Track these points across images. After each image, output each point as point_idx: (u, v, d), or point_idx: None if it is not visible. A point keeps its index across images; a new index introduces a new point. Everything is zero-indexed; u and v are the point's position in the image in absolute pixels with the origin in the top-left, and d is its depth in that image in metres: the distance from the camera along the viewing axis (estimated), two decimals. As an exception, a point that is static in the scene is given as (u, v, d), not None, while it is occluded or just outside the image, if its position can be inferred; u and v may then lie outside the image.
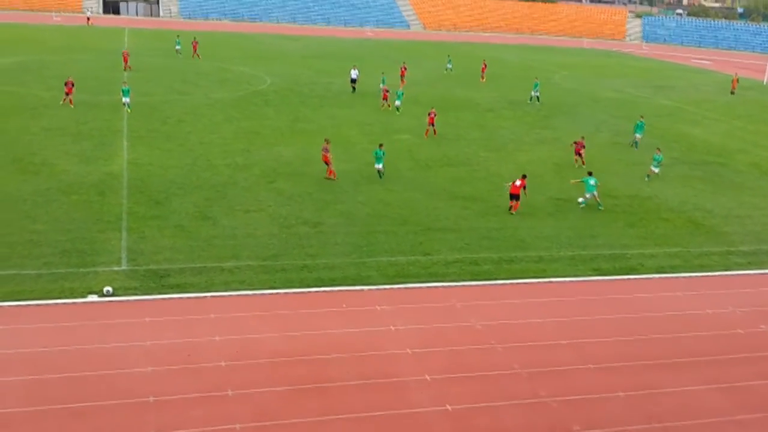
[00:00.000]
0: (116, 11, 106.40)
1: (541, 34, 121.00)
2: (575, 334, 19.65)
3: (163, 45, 73.95)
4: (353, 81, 53.19)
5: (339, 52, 78.11)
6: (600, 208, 29.74)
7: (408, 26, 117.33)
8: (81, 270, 21.23)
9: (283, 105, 47.07)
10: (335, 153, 35.72)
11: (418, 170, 34.02)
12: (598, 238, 26.84)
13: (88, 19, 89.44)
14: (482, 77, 63.54)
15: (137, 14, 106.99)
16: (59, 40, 69.90)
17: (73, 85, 42.47)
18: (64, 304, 19.37)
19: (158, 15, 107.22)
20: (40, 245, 22.68)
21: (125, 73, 53.69)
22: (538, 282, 22.87)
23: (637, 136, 41.42)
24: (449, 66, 68.90)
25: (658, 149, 35.39)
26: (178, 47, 67.92)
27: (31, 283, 20.24)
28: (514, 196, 28.44)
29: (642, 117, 43.27)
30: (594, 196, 29.71)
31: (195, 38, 68.85)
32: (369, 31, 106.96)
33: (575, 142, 36.22)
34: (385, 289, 21.57)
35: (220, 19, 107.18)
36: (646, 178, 34.55)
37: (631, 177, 35.20)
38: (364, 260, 23.40)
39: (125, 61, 56.89)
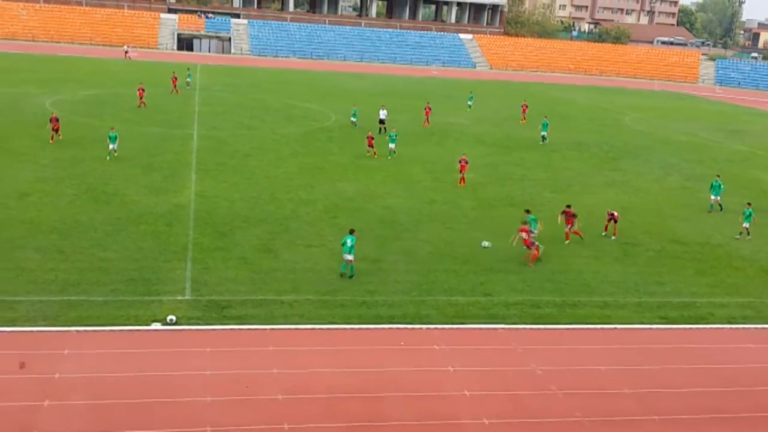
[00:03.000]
0: (189, 48, 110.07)
1: (610, 76, 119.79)
2: (640, 383, 18.99)
3: (233, 81, 76.06)
4: (381, 122, 51.44)
5: (404, 90, 78.89)
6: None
7: (474, 66, 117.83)
8: (146, 298, 21.67)
9: (347, 141, 47.58)
10: (396, 190, 35.91)
11: (481, 209, 33.78)
12: (665, 285, 26.05)
13: (126, 52, 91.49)
14: (523, 119, 61.72)
15: (209, 51, 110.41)
16: (133, 74, 72.41)
17: (57, 120, 41.05)
18: (129, 331, 19.76)
19: (230, 52, 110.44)
20: (109, 273, 23.28)
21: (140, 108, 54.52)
22: (603, 328, 22.25)
23: (713, 198, 36.48)
24: (470, 103, 67.69)
25: (749, 204, 32.73)
26: (189, 80, 67.58)
27: (98, 310, 20.74)
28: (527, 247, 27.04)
29: (718, 176, 37.91)
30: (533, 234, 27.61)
31: (174, 73, 65.57)
32: (434, 70, 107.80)
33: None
34: (444, 328, 21.33)
35: (289, 57, 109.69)
36: (738, 236, 31.95)
37: (702, 223, 34.19)
38: (424, 299, 23.24)
39: (140, 96, 54.63)
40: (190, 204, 31.18)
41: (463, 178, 37.98)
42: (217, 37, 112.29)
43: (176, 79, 63.65)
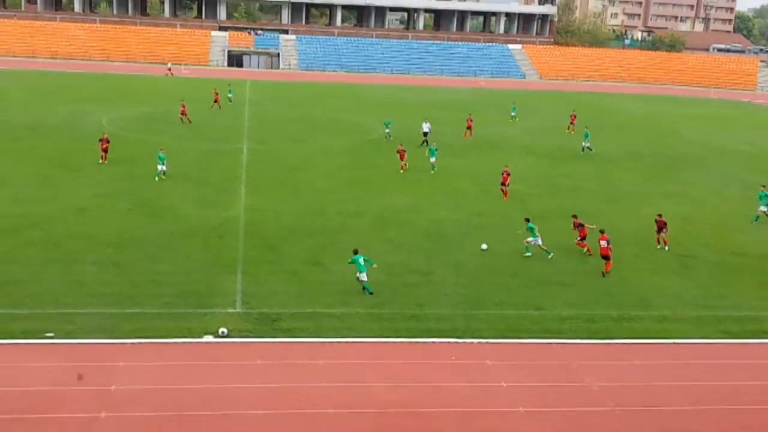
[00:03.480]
0: (239, 64, 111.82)
1: (665, 84, 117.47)
2: (701, 400, 18.36)
3: (281, 95, 76.90)
4: (425, 134, 50.72)
5: (451, 101, 78.54)
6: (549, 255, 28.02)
7: (523, 76, 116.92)
8: (199, 311, 21.86)
9: (395, 154, 47.36)
10: (445, 202, 35.69)
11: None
12: (726, 298, 25.20)
13: (169, 69, 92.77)
14: (570, 129, 60.09)
15: (259, 67, 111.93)
16: (184, 91, 73.46)
17: (108, 141, 40.28)
18: (182, 343, 19.94)
19: (278, 67, 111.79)
20: (162, 285, 23.58)
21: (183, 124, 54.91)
22: (661, 343, 21.59)
23: (762, 209, 34.38)
24: (513, 114, 66.61)
25: (763, 186, 32.15)
26: (230, 95, 67.76)
27: (152, 322, 21.00)
28: (605, 257, 26.59)
29: (764, 186, 35.28)
30: (537, 244, 27.99)
31: (215, 88, 66.09)
32: (483, 82, 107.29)
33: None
34: (495, 343, 20.99)
35: (336, 71, 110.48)
36: (755, 221, 31.72)
37: (763, 235, 33.03)
38: (474, 312, 22.91)
39: (182, 113, 54.58)
40: (240, 217, 31.45)
41: (505, 191, 37.06)
42: (266, 53, 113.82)
43: (218, 94, 64.25)
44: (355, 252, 23.84)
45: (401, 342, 20.73)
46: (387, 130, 52.76)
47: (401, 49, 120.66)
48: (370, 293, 23.58)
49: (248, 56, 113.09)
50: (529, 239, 28.08)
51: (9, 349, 19.07)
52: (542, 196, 38.26)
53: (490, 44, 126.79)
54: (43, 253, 25.91)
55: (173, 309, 21.88)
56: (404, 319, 22.13)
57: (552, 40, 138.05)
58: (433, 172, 42.00)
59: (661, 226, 29.82)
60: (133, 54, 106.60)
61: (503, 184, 37.18)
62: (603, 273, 26.44)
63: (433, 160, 42.44)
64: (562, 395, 18.30)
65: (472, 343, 20.88)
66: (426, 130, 50.99)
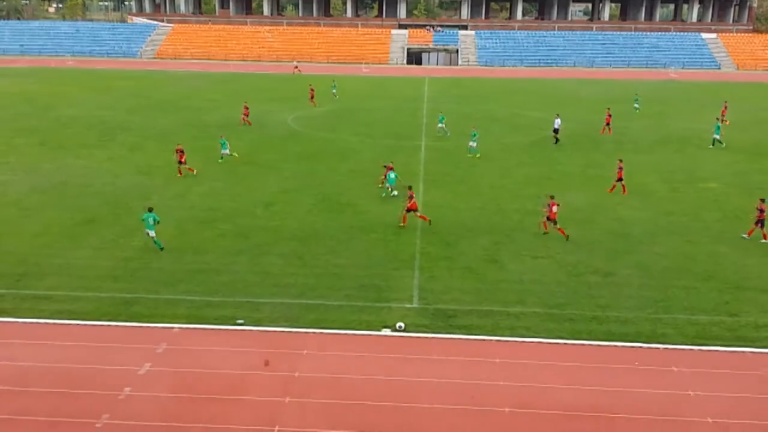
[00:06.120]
0: (418, 62, 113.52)
1: None
2: None
3: (459, 92, 77.05)
4: (555, 131, 48.14)
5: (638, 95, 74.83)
6: (393, 194, 33.57)
7: (718, 67, 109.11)
8: (376, 304, 22.42)
9: (576, 150, 46.09)
10: (629, 200, 34.08)
11: (727, 222, 30.99)
12: None
13: (296, 67, 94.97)
14: (719, 119, 52.11)
15: (437, 63, 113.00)
16: (365, 90, 75.89)
17: (182, 152, 37.87)
18: (361, 335, 20.54)
19: (457, 63, 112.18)
20: (342, 278, 24.43)
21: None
22: None
23: None
24: (636, 106, 63.04)
25: None
26: (334, 90, 69.74)
27: (333, 313, 21.82)
28: None
29: None
30: (391, 187, 33.75)
31: (311, 84, 67.79)
32: (672, 73, 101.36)
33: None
34: (683, 349, 19.76)
35: (516, 66, 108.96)
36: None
37: None
38: (660, 316, 21.71)
39: (245, 115, 54.05)
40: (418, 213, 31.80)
41: (615, 186, 35.06)
42: (445, 50, 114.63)
43: (313, 90, 65.72)
44: (150, 210, 26.19)
45: (581, 344, 20.08)
46: (440, 125, 51.01)
47: (584, 41, 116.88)
48: (161, 248, 26.15)
49: (427, 53, 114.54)
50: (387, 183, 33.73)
51: (203, 334, 20.57)
52: (738, 194, 35.48)
53: (682, 33, 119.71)
54: (233, 244, 27.74)
55: (353, 302, 22.61)
56: (584, 321, 21.41)
57: (751, 27, 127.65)
58: (469, 155, 42.78)
59: (761, 218, 27.56)
60: (316, 55, 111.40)
61: (619, 179, 35.00)
62: None
63: (473, 144, 43.39)
64: (757, 407, 16.89)
65: (657, 348, 19.81)
66: (557, 126, 48.35)
